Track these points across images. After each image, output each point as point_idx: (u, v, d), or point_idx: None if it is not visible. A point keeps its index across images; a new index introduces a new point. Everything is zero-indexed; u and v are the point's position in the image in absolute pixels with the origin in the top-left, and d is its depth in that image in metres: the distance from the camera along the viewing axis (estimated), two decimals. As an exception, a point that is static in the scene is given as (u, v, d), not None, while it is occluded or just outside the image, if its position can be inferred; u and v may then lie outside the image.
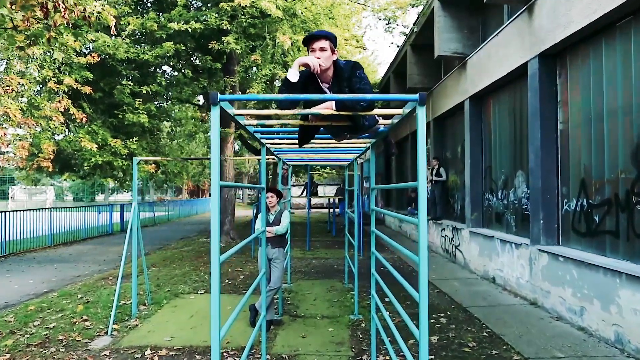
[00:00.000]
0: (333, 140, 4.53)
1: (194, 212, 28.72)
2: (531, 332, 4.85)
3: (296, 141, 4.19)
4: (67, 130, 8.41)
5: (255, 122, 2.68)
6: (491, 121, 8.11)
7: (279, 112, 2.35)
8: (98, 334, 4.88)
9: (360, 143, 3.92)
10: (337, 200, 16.15)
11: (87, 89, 7.25)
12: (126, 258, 5.33)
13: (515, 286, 6.47)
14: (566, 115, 5.70)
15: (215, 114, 2.02)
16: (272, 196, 5.16)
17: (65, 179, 10.20)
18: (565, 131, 5.73)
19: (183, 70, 9.01)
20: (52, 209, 13.04)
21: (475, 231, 8.16)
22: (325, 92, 2.51)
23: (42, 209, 12.90)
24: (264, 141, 3.71)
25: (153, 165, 8.22)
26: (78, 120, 7.36)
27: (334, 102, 2.34)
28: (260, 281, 3.81)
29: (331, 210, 16.56)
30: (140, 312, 5.74)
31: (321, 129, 2.90)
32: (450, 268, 8.74)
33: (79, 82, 7.31)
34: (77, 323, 5.24)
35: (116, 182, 10.12)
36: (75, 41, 7.03)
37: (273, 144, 3.97)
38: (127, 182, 9.56)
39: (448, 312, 5.72)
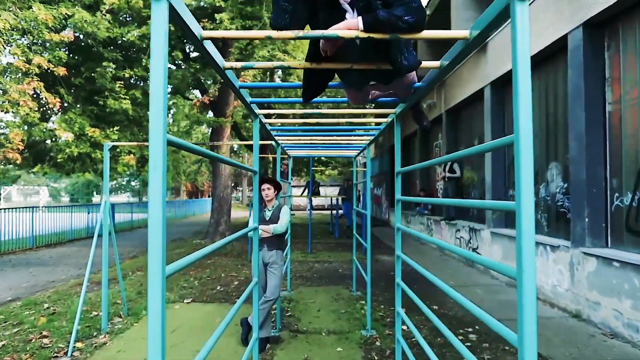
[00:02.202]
0: (342, 119, 3.68)
1: (191, 213, 27.84)
2: (585, 354, 3.96)
3: (297, 119, 3.32)
4: (40, 117, 7.53)
5: (239, 64, 1.81)
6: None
7: (272, 33, 1.49)
8: (55, 354, 4.00)
9: (382, 112, 3.06)
10: (340, 200, 15.25)
11: (61, 70, 6.38)
12: (93, 264, 4.45)
13: (551, 295, 5.59)
14: (617, 94, 4.83)
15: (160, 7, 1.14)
16: (268, 188, 4.29)
17: (44, 174, 9.31)
18: (615, 113, 4.85)
19: (172, 53, 8.18)
20: (35, 209, 12.15)
21: (497, 232, 7.28)
22: (343, 11, 1.65)
23: (23, 208, 12.00)
24: (257, 111, 2.84)
25: (132, 156, 7.34)
26: (51, 106, 6.49)
27: (360, 20, 1.47)
28: (253, 291, 2.92)
29: (334, 211, 15.66)
30: (113, 325, 4.86)
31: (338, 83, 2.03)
32: (468, 273, 7.86)
33: (52, 63, 6.44)
34: (33, 340, 4.35)
35: (99, 177, 9.20)
36: (46, 15, 6.17)
37: (268, 115, 3.10)
38: (113, 176, 8.65)
39: (477, 327, 4.84)
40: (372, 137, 4.19)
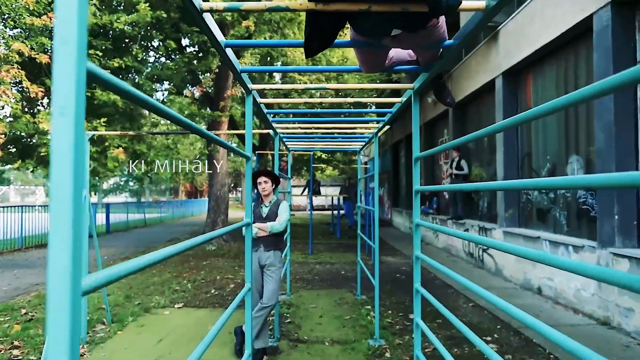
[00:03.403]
0: (349, 99, 3.23)
1: (189, 214, 27.39)
2: (623, 368, 3.51)
3: (298, 99, 2.87)
4: (26, 110, 7.09)
5: (221, 4, 1.36)
6: (531, 99, 6.80)
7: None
8: (24, 368, 3.55)
9: (398, 87, 2.60)
10: (341, 199, 14.79)
11: (43, 58, 5.93)
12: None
13: (574, 300, 5.13)
14: (650, 78, 4.37)
15: None
16: (265, 181, 3.85)
17: (31, 171, 8.84)
18: (649, 99, 4.41)
19: (164, 42, 7.70)
20: (24, 207, 11.68)
21: (511, 231, 6.82)
22: None
23: (11, 207, 11.54)
24: (250, 86, 2.40)
25: (121, 150, 6.89)
26: (32, 96, 6.04)
27: None
28: (245, 299, 2.45)
29: (335, 211, 15.20)
30: (95, 334, 4.40)
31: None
32: (478, 275, 7.40)
33: (34, 50, 5.99)
34: (2, 351, 3.90)
35: (90, 172, 8.72)
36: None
37: (263, 90, 2.66)
38: (104, 173, 8.18)
39: (495, 335, 4.38)
40: (382, 124, 3.74)
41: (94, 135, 4.02)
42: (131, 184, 41.55)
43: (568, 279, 5.25)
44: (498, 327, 4.64)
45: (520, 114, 1.20)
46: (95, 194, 42.29)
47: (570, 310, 5.15)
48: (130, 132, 4.18)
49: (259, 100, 2.81)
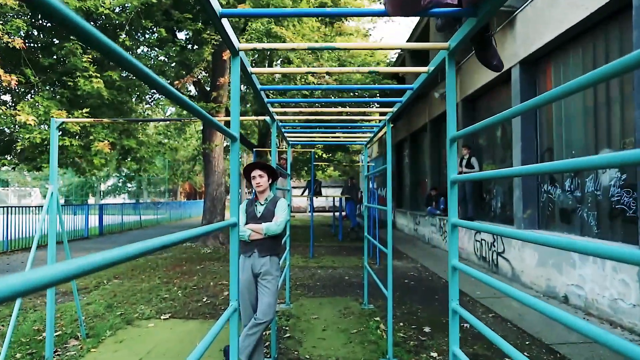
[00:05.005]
0: (361, 68, 2.66)
1: (187, 215, 26.80)
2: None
3: (300, 68, 2.36)
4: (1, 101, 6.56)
5: None
6: (552, 89, 6.23)
7: None
8: (-28, 398, 2.98)
9: (427, 47, 2.03)
10: (343, 200, 14.21)
11: (17, 43, 5.38)
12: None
13: (609, 311, 4.56)
14: (703, 57, 3.82)
15: None
16: (260, 175, 3.28)
17: (13, 168, 8.27)
18: (701, 81, 3.85)
19: (155, 30, 7.15)
20: (11, 208, 11.10)
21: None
22: None
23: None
24: (237, 44, 1.84)
25: (106, 142, 6.31)
26: (5, 84, 5.48)
27: None
28: (230, 321, 1.86)
29: (336, 213, 14.62)
30: (65, 351, 3.83)
31: None
32: (494, 281, 6.81)
33: (9, 35, 5.44)
34: (-49, 375, 3.33)
35: (75, 171, 8.17)
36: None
37: (254, 49, 2.10)
38: (91, 171, 7.61)
39: (526, 353, 3.81)
40: (398, 106, 3.18)
41: (62, 123, 3.45)
42: (129, 185, 40.99)
43: (602, 287, 4.67)
44: (527, 343, 4.07)
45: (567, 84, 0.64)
46: (93, 196, 41.70)
47: (605, 323, 4.57)
48: (105, 119, 3.61)
49: (250, 70, 2.24)
